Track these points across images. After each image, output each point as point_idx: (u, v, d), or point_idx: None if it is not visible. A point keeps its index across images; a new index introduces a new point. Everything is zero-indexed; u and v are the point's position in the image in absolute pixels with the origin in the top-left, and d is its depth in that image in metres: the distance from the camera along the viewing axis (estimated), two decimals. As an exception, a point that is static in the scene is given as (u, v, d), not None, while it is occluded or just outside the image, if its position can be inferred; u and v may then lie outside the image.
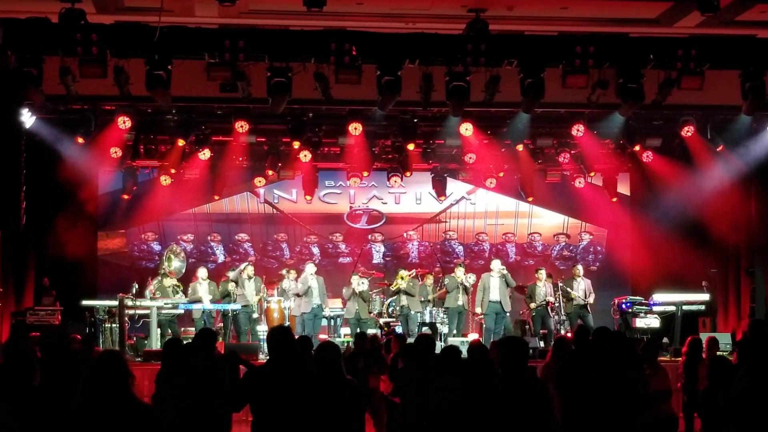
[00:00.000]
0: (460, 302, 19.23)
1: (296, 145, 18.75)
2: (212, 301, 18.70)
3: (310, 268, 19.18)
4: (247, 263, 19.60)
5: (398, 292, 19.28)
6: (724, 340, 15.48)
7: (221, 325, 19.08)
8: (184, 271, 19.50)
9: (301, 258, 22.31)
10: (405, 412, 9.17)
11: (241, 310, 18.63)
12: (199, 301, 18.59)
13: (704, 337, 13.21)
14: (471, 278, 19.39)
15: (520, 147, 19.59)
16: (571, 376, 8.29)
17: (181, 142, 18.66)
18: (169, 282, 19.00)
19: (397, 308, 19.29)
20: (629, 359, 8.09)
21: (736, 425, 7.16)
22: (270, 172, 20.31)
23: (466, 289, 19.33)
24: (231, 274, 19.12)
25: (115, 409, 5.80)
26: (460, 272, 19.35)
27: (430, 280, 20.06)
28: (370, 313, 19.32)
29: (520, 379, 7.24)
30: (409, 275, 19.51)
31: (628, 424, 7.70)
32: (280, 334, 7.40)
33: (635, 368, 8.05)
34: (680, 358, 12.58)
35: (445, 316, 19.22)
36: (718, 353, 12.24)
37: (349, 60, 14.44)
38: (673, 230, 20.63)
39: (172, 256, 19.39)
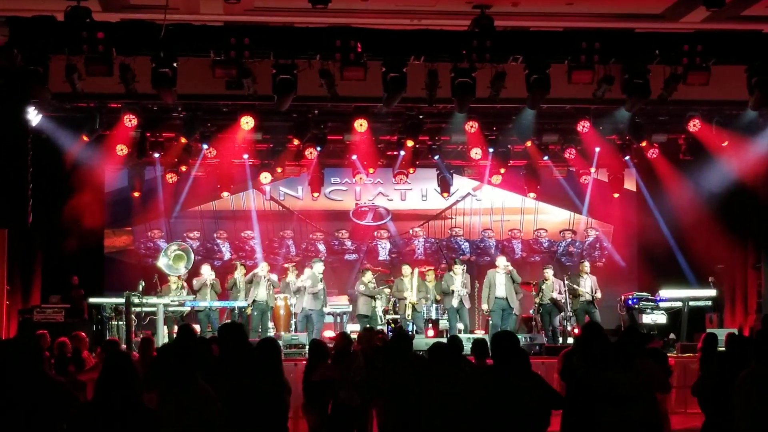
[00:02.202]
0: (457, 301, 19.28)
1: (295, 142, 18.76)
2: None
3: (319, 267, 19.23)
4: (263, 264, 19.59)
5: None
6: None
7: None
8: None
9: (307, 255, 22.33)
10: (386, 411, 8.99)
11: (254, 306, 18.71)
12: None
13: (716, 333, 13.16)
14: (463, 291, 19.21)
15: (528, 143, 19.63)
16: (564, 373, 8.34)
17: (189, 140, 18.66)
18: (173, 279, 19.05)
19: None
20: (610, 357, 8.02)
21: (746, 421, 7.15)
22: (279, 170, 20.32)
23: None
24: (242, 277, 19.11)
25: (117, 411, 5.86)
26: (459, 270, 19.33)
27: (430, 276, 19.97)
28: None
29: (514, 371, 7.26)
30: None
31: (601, 423, 7.66)
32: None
33: (617, 366, 7.95)
34: (696, 354, 12.56)
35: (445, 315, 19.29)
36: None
37: (355, 57, 14.45)
38: (679, 225, 20.61)
39: (183, 255, 19.29)
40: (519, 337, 17.27)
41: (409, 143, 19.07)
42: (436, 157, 20.77)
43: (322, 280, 18.97)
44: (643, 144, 19.36)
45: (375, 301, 19.17)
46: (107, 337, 17.65)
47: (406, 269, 19.54)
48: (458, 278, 19.11)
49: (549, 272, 19.53)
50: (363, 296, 19.21)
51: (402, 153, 19.89)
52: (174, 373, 6.51)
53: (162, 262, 19.08)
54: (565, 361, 9.19)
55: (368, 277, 19.32)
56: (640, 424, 7.76)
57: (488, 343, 8.68)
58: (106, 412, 5.85)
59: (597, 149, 19.97)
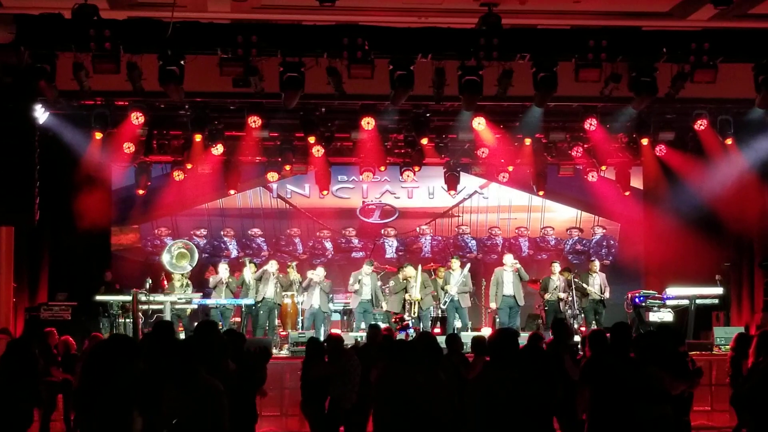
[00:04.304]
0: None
1: (312, 140, 18.72)
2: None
3: (368, 268, 19.34)
4: (272, 261, 19.58)
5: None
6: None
7: (238, 319, 19.16)
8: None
9: (314, 253, 22.35)
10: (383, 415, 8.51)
11: (262, 304, 18.69)
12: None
13: (734, 331, 13.23)
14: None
15: (527, 141, 19.61)
16: (588, 371, 8.29)
17: (196, 138, 18.67)
18: (177, 277, 19.06)
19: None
20: (648, 355, 8.04)
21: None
22: (287, 167, 20.33)
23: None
24: (252, 274, 19.10)
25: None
26: (455, 264, 19.51)
27: (442, 273, 20.01)
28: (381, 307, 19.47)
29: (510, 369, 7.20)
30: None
31: (644, 419, 7.65)
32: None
33: (654, 363, 7.97)
34: (728, 353, 12.55)
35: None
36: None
37: (362, 55, 14.43)
38: (686, 224, 20.58)
39: (187, 253, 19.29)
40: (525, 334, 17.57)
41: (424, 141, 19.09)
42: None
43: (370, 278, 19.15)
44: (650, 142, 19.35)
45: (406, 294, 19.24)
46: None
47: (409, 270, 19.46)
48: (456, 263, 19.51)
49: (555, 266, 19.64)
50: (395, 294, 19.28)
51: (418, 150, 19.90)
52: (171, 370, 6.49)
53: (165, 259, 19.11)
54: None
55: (410, 271, 19.37)
56: (675, 422, 7.79)
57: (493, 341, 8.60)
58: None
59: (604, 147, 19.97)
